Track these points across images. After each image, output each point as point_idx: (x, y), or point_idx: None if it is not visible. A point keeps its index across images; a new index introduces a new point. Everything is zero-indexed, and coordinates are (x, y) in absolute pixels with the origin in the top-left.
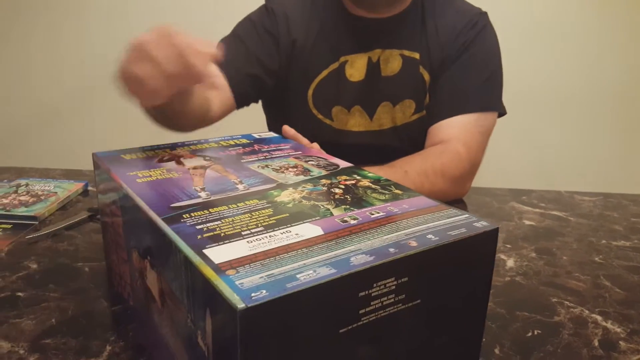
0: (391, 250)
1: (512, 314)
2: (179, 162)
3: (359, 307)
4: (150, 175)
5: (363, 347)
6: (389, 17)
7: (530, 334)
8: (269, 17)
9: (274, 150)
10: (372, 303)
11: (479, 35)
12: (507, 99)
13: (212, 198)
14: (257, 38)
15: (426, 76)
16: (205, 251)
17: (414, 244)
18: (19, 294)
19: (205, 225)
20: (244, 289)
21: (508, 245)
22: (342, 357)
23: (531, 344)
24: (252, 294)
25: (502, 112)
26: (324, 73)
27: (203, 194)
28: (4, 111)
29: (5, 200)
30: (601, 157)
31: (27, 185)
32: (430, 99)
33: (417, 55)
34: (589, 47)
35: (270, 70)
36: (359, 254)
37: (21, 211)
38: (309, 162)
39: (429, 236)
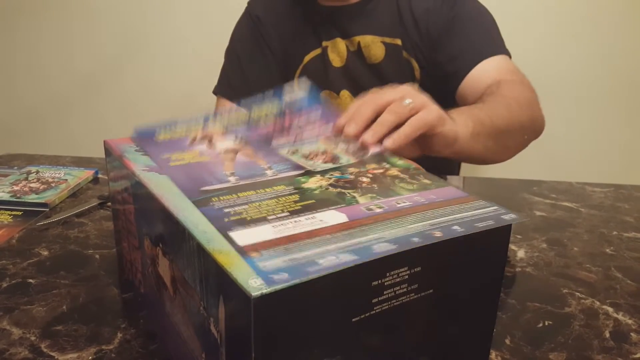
0: (415, 240)
1: (522, 304)
2: (210, 144)
3: (372, 296)
4: (183, 159)
5: (375, 336)
6: (355, 3)
7: (541, 324)
8: (256, 28)
9: (304, 126)
10: (385, 292)
11: (456, 6)
12: None
13: (241, 183)
14: (261, 58)
15: (413, 62)
16: (231, 233)
17: (438, 234)
18: (30, 280)
19: (232, 208)
20: (266, 271)
21: (519, 236)
22: (354, 347)
23: (542, 334)
24: (274, 276)
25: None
26: (307, 58)
27: (232, 179)
28: (15, 98)
29: (15, 187)
30: (613, 149)
31: (37, 172)
32: (436, 75)
33: (398, 42)
34: (600, 37)
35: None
36: (381, 242)
37: (32, 198)
38: (339, 147)
39: (455, 227)
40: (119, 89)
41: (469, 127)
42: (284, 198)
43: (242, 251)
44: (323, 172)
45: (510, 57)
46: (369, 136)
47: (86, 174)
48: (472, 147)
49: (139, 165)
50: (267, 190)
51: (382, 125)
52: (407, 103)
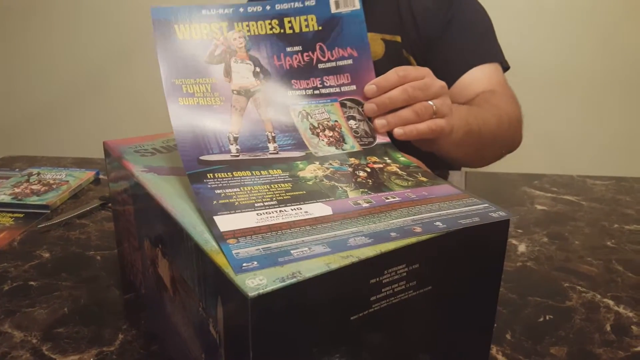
0: (392, 234)
1: (523, 299)
2: (228, 68)
3: (370, 294)
4: (194, 93)
5: (374, 334)
6: None
7: (541, 319)
8: None
9: (330, 72)
10: (383, 290)
11: (454, 5)
12: (518, 81)
13: (241, 157)
14: None
15: (412, 60)
16: (216, 218)
17: (418, 230)
18: (32, 283)
19: (224, 190)
20: (238, 259)
21: (520, 230)
22: (354, 345)
23: (543, 329)
24: (244, 264)
25: (506, 66)
26: None
27: (233, 149)
28: (15, 101)
29: (17, 189)
30: (613, 141)
31: (38, 174)
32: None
33: (398, 39)
34: (599, 27)
35: None
36: (358, 235)
37: (33, 200)
38: (350, 121)
39: (437, 223)
40: (120, 90)
41: (459, 134)
42: (276, 185)
43: (221, 237)
44: (322, 160)
45: (505, 62)
46: (382, 124)
47: (87, 175)
48: (453, 150)
49: (138, 166)
50: (262, 173)
51: (400, 120)
52: (432, 105)
